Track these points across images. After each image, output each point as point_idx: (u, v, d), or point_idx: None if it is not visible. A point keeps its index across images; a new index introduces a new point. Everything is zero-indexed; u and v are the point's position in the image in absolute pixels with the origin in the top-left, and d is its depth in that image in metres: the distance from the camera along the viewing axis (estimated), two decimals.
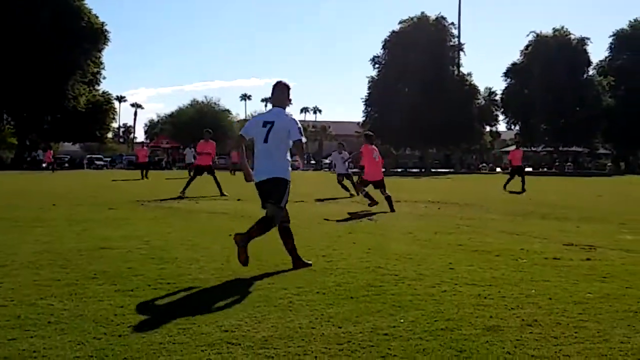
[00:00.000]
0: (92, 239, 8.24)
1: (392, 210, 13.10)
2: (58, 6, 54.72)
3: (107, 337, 3.88)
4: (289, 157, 6.47)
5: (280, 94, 6.61)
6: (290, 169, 6.47)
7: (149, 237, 8.40)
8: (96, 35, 59.71)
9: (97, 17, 60.37)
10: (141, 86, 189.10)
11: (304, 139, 6.41)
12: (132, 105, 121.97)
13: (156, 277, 5.69)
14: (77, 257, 6.82)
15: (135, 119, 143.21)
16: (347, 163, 19.47)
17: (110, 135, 78.01)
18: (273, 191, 6.30)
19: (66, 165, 60.82)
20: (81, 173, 44.68)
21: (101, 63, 63.22)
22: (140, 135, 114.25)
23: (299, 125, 6.46)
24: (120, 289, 5.21)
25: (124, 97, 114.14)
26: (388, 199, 13.50)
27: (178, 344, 3.78)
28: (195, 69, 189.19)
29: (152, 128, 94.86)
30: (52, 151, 48.43)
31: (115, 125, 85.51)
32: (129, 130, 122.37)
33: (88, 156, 69.55)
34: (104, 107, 63.67)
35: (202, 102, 74.05)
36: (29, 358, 3.51)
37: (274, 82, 6.61)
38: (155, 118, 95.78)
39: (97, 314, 4.41)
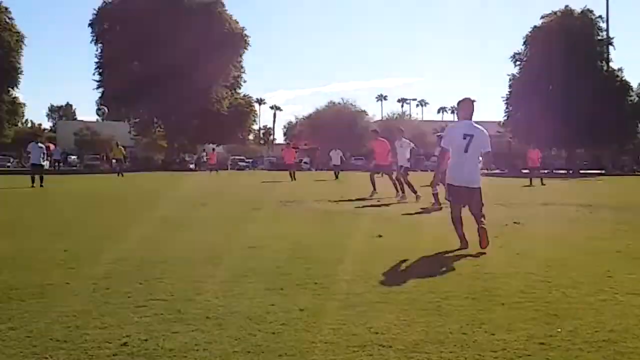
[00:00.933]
0: (241, 238, 8.56)
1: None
2: (203, 15, 57.54)
3: (261, 334, 4.01)
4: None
5: (469, 107, 7.85)
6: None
7: (295, 237, 8.60)
8: (237, 41, 62.11)
9: (237, 22, 62.81)
10: (280, 88, 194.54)
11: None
12: (271, 107, 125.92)
13: (304, 277, 5.81)
14: (228, 255, 7.11)
15: (274, 121, 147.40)
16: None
17: (251, 137, 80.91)
18: (474, 199, 7.56)
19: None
20: (227, 174, 46.64)
21: (242, 67, 65.70)
22: (279, 137, 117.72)
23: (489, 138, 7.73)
24: (270, 288, 5.37)
25: (264, 99, 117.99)
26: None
27: (329, 344, 3.83)
28: (331, 70, 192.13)
29: (290, 130, 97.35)
30: (215, 153, 50.52)
31: (255, 127, 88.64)
32: (268, 131, 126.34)
33: (231, 157, 72.54)
34: (245, 109, 66.06)
35: (339, 103, 75.04)
36: (192, 350, 3.69)
37: (462, 99, 7.95)
38: (293, 120, 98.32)
39: (250, 311, 4.57)
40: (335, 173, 33.24)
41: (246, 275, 5.88)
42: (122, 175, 33.30)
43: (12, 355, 3.59)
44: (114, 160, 42.18)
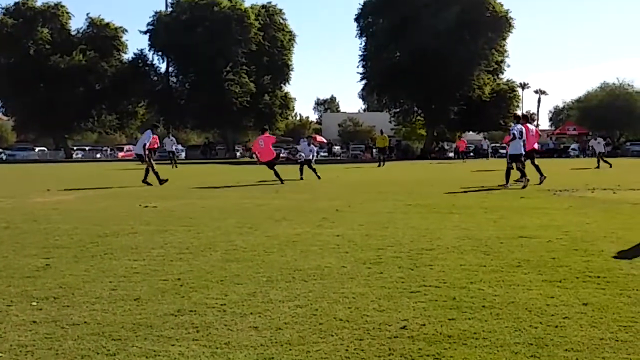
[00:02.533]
0: (509, 227, 8.31)
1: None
2: (465, 0, 56.90)
3: (543, 327, 3.84)
4: None
5: None
6: None
7: (567, 228, 8.14)
8: (500, 24, 60.32)
9: (501, 5, 60.98)
10: (546, 69, 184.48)
11: None
12: (536, 91, 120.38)
13: (583, 270, 5.46)
14: (498, 244, 6.93)
15: (538, 106, 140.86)
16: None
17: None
18: None
19: (471, 154, 63.08)
20: (485, 162, 45.75)
21: (505, 51, 63.67)
22: (544, 123, 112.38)
23: None
24: (548, 279, 5.12)
25: (527, 83, 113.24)
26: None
27: (621, 342, 3.57)
28: (604, 47, 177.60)
29: (557, 114, 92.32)
30: (465, 140, 50.30)
31: (519, 112, 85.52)
32: (532, 117, 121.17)
33: (492, 145, 70.93)
34: (507, 95, 64.01)
35: (613, 84, 69.26)
36: (470, 339, 3.66)
37: None
38: (560, 104, 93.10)
39: (528, 303, 4.40)
40: (598, 161, 30.76)
41: (520, 266, 5.68)
42: (383, 164, 34.24)
43: (301, 331, 3.86)
44: (374, 150, 43.52)
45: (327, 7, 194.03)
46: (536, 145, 17.94)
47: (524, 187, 15.31)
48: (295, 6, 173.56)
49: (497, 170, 22.33)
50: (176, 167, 31.06)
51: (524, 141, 16.28)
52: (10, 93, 64.41)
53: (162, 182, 18.25)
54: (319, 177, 20.66)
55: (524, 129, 16.48)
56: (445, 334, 3.74)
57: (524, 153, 16.27)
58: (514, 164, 16.36)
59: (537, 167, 16.97)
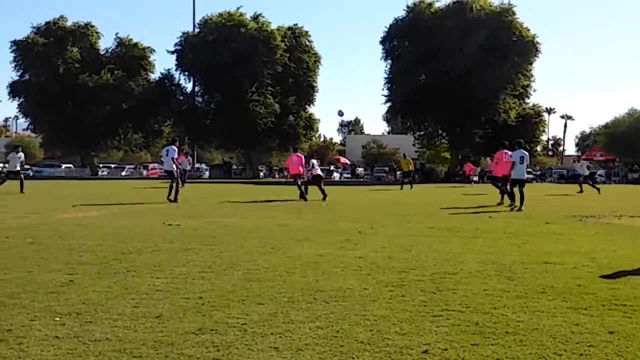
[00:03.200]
0: (534, 253, 8.22)
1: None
2: (492, 25, 56.92)
3: (567, 354, 3.79)
4: None
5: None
6: None
7: (593, 254, 8.03)
8: (527, 49, 60.15)
9: (528, 30, 60.85)
10: (572, 95, 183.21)
11: None
12: (562, 117, 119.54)
13: (609, 297, 5.38)
14: (522, 270, 6.85)
15: (565, 131, 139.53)
16: None
17: (539, 148, 77.63)
18: None
19: (474, 179, 62.62)
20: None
21: (532, 75, 63.39)
22: (570, 148, 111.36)
23: None
24: (573, 306, 5.05)
25: (554, 108, 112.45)
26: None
27: None
28: (630, 73, 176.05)
29: (583, 140, 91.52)
30: (470, 164, 49.92)
31: (544, 138, 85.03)
32: (557, 142, 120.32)
33: None
34: (533, 120, 63.60)
35: None
36: None
37: None
38: (587, 130, 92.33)
39: (553, 330, 4.34)
40: (580, 185, 30.40)
41: (544, 292, 5.61)
42: (411, 187, 33.86)
43: (322, 352, 3.84)
44: (398, 172, 43.30)
45: (352, 29, 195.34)
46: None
47: (512, 209, 16.74)
48: (322, 28, 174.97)
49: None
50: (183, 186, 31.58)
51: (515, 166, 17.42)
52: (39, 111, 65.47)
53: (173, 201, 18.37)
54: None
55: (525, 154, 17.75)
56: (467, 359, 3.70)
57: (525, 178, 17.52)
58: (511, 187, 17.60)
59: (513, 193, 17.58)
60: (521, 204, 16.62)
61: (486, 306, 5.05)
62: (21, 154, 24.78)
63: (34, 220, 12.46)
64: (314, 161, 23.54)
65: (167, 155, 19.78)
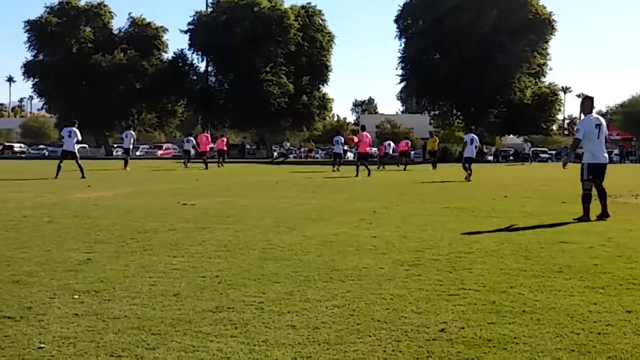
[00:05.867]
0: (550, 232, 8.19)
1: None
2: (507, 2, 56.31)
3: (585, 333, 3.77)
4: None
5: (591, 104, 10.22)
6: None
7: (609, 234, 7.98)
8: (543, 27, 59.53)
9: (544, 7, 60.17)
10: (589, 72, 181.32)
11: None
12: (578, 95, 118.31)
13: (627, 277, 5.35)
14: (538, 249, 6.83)
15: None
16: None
17: (555, 127, 77.06)
18: (604, 172, 10.10)
19: (511, 158, 62.33)
20: (526, 166, 45.16)
21: (547, 54, 62.79)
22: None
23: None
24: (590, 286, 5.03)
25: (570, 87, 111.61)
26: None
27: None
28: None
29: None
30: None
31: (560, 117, 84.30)
32: (573, 122, 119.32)
33: (532, 149, 70.00)
34: (549, 99, 63.11)
35: None
36: (510, 343, 3.60)
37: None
38: (603, 109, 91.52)
39: (570, 309, 4.32)
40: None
41: (561, 271, 5.59)
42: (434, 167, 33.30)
43: (339, 330, 3.85)
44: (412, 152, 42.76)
45: (366, 8, 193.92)
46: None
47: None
48: (335, 7, 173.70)
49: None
50: (186, 166, 32.29)
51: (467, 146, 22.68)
52: (54, 91, 65.80)
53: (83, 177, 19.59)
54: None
55: (475, 137, 23.10)
56: (484, 337, 3.70)
57: (473, 157, 22.83)
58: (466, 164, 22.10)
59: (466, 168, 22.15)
60: (469, 175, 21.51)
61: (503, 285, 5.04)
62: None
63: (50, 200, 12.55)
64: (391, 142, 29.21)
65: (69, 136, 21.16)
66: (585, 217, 9.55)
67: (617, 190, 16.22)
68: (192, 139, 35.29)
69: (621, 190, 16.03)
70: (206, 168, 30.51)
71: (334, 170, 28.40)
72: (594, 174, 9.95)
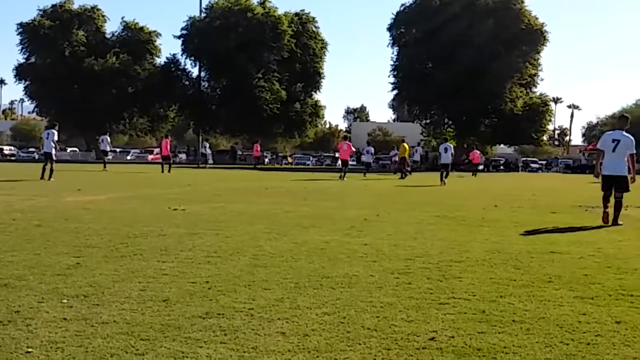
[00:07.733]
0: (540, 242, 8.21)
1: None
2: (500, 13, 56.62)
3: (574, 344, 3.78)
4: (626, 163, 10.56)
5: (624, 123, 11.30)
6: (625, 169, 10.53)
7: (599, 244, 8.02)
8: (535, 37, 59.85)
9: (536, 18, 60.51)
10: (579, 83, 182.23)
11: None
12: (569, 106, 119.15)
13: (616, 287, 5.37)
14: (528, 259, 6.85)
15: (571, 121, 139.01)
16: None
17: (545, 138, 77.41)
18: (621, 184, 10.74)
19: (501, 167, 62.53)
20: (517, 176, 45.32)
21: (539, 65, 63.12)
22: (576, 138, 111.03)
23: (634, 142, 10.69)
24: (579, 296, 5.05)
25: (560, 98, 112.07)
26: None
27: None
28: (638, 63, 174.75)
29: (590, 130, 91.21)
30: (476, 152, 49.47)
31: (550, 127, 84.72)
32: (564, 132, 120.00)
33: (523, 159, 70.30)
34: (540, 109, 63.38)
35: None
36: (500, 352, 3.61)
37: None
38: (594, 120, 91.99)
39: (559, 319, 4.33)
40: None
41: (551, 281, 5.61)
42: (410, 174, 33.78)
43: (329, 338, 3.84)
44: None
45: (359, 16, 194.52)
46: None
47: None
48: (328, 14, 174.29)
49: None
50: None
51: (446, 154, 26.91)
52: (45, 93, 65.51)
53: (49, 180, 20.00)
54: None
55: (449, 146, 27.89)
56: (474, 347, 3.70)
57: (449, 164, 26.87)
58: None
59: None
60: (445, 180, 25.47)
61: (492, 294, 5.05)
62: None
63: (40, 203, 12.49)
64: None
65: (47, 137, 21.60)
66: (604, 218, 10.73)
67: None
68: (106, 137, 34.63)
69: (611, 201, 16.09)
70: (162, 172, 30.80)
71: (364, 175, 33.41)
72: (606, 185, 10.92)
